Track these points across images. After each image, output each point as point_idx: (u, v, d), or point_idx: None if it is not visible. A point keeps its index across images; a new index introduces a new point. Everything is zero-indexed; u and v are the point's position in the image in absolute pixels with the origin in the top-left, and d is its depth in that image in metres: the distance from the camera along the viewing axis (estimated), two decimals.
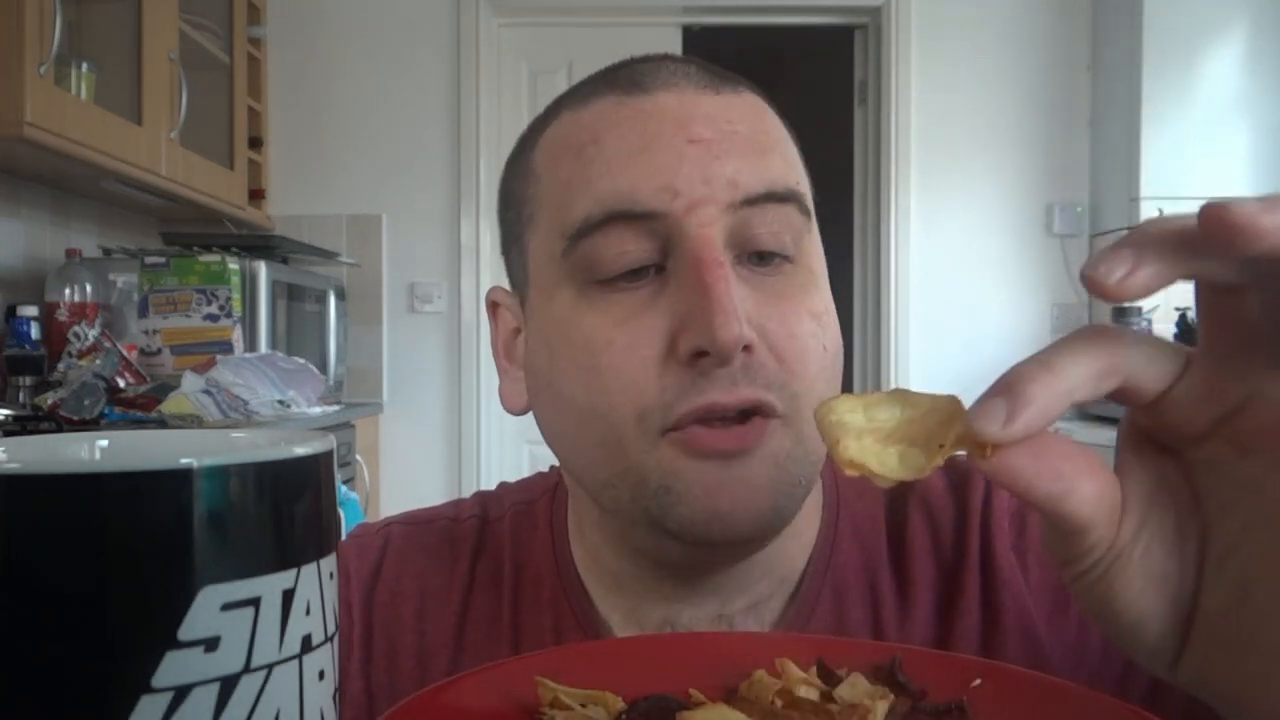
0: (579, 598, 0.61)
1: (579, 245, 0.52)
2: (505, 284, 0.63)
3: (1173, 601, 0.34)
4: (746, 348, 0.50)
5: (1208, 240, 0.28)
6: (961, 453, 0.33)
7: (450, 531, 0.66)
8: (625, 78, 0.55)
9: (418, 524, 0.67)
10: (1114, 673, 0.55)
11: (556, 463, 0.61)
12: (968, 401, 0.32)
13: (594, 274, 0.52)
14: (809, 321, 0.53)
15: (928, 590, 0.59)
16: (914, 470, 0.32)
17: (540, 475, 0.68)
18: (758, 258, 0.53)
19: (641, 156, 0.51)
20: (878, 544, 0.61)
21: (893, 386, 0.33)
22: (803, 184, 0.56)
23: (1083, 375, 0.31)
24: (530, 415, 0.60)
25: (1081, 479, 0.32)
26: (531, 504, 0.65)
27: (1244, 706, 0.33)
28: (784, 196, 0.53)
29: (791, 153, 0.56)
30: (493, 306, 0.63)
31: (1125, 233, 0.30)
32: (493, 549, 0.64)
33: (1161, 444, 0.34)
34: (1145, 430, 0.34)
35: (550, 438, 0.58)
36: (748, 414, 0.51)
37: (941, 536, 0.60)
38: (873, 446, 0.33)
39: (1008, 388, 0.31)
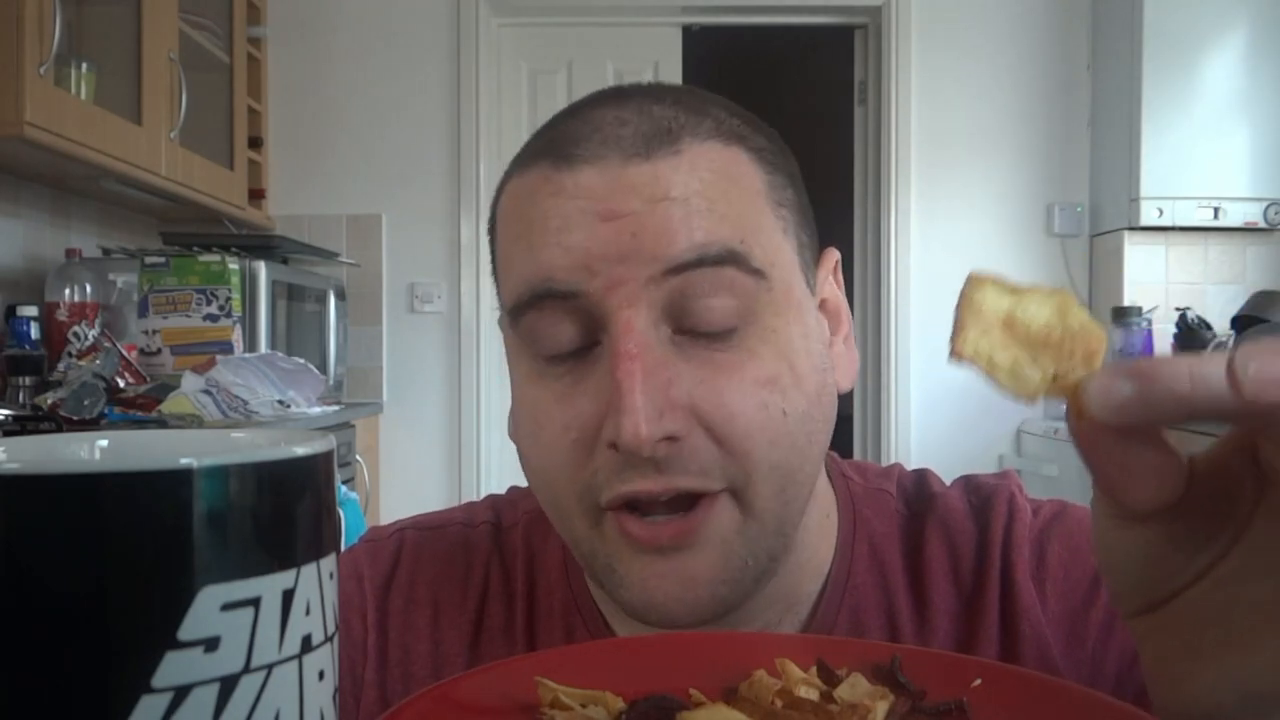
0: (590, 609, 0.61)
1: (519, 321, 0.52)
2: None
3: (1151, 575, 0.35)
4: (672, 438, 0.48)
5: None
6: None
7: (464, 538, 0.65)
8: (560, 142, 0.52)
9: (431, 529, 0.66)
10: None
11: None
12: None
13: (537, 348, 0.52)
14: (758, 392, 0.50)
15: (946, 616, 0.58)
16: (1021, 388, 0.32)
17: None
18: (699, 324, 0.50)
19: (558, 236, 0.50)
20: (894, 562, 0.60)
21: (1052, 287, 0.33)
22: (751, 238, 0.51)
23: (1219, 410, 0.29)
24: None
25: (1146, 479, 0.32)
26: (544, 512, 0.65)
27: (1156, 681, 0.36)
28: (719, 259, 0.49)
29: (744, 203, 0.51)
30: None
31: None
32: (507, 557, 0.64)
33: (1258, 459, 0.34)
34: (1253, 445, 0.34)
35: (525, 477, 0.58)
36: (683, 500, 0.50)
37: (961, 561, 0.59)
38: (996, 344, 0.32)
39: (1142, 378, 0.29)
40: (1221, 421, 0.30)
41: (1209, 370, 0.29)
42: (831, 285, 0.59)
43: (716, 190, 0.51)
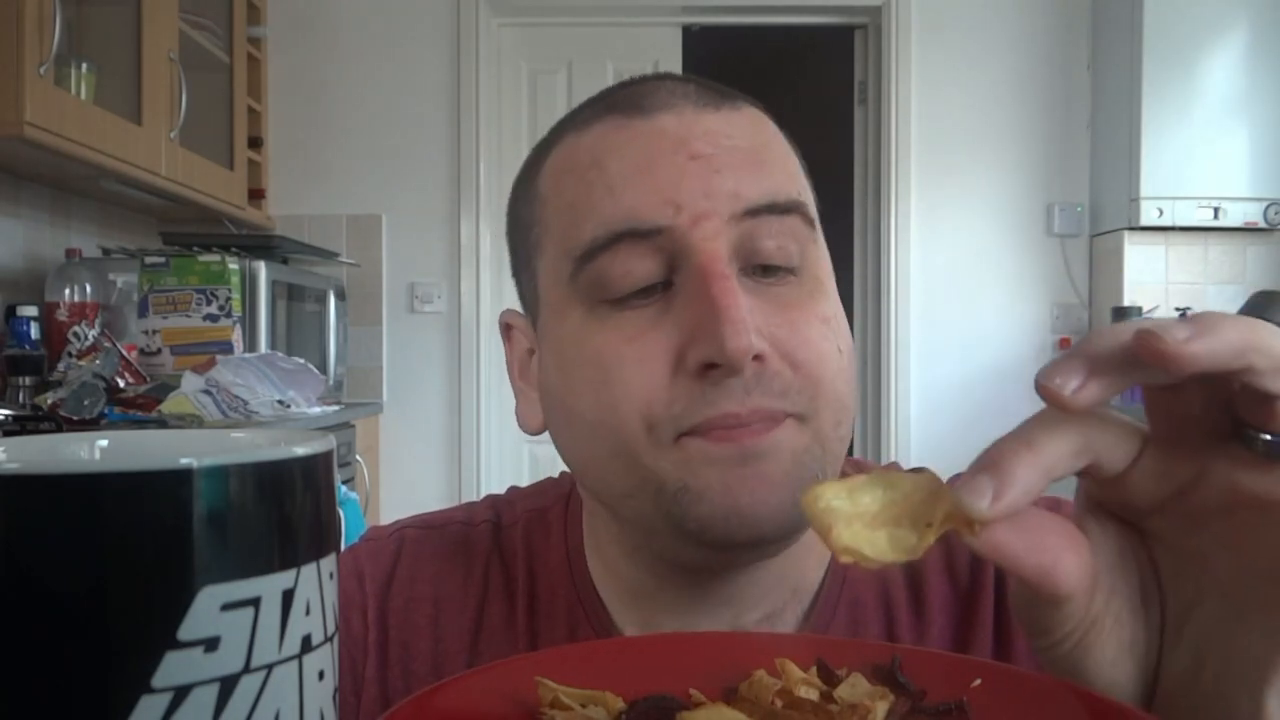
0: (594, 608, 0.61)
1: (586, 268, 0.53)
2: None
3: (1140, 666, 0.37)
4: (758, 357, 0.50)
5: (1146, 362, 0.30)
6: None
7: (464, 536, 0.65)
8: (625, 100, 0.55)
9: (431, 528, 0.66)
10: None
11: (563, 467, 0.61)
12: (955, 467, 0.34)
13: (603, 294, 0.52)
14: (819, 326, 0.53)
15: (943, 612, 0.59)
16: (906, 551, 0.33)
17: (551, 481, 0.68)
18: (763, 270, 0.53)
19: (643, 175, 0.52)
20: None
21: (873, 472, 0.35)
22: (804, 194, 0.56)
23: (1061, 452, 0.33)
24: None
25: (1065, 551, 0.34)
26: (545, 511, 0.65)
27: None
28: (786, 207, 0.53)
29: (793, 164, 0.57)
30: (506, 329, 0.63)
31: (1072, 345, 0.33)
32: (507, 555, 0.64)
33: (1119, 515, 0.36)
34: (1102, 502, 0.36)
35: (566, 455, 0.58)
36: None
37: (957, 559, 0.60)
38: (863, 531, 0.33)
39: (993, 465, 0.33)
40: (1067, 472, 0.34)
41: (1040, 436, 0.33)
42: None
43: (775, 147, 0.56)
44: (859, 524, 0.34)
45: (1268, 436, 0.32)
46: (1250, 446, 0.32)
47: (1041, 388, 0.32)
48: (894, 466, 0.66)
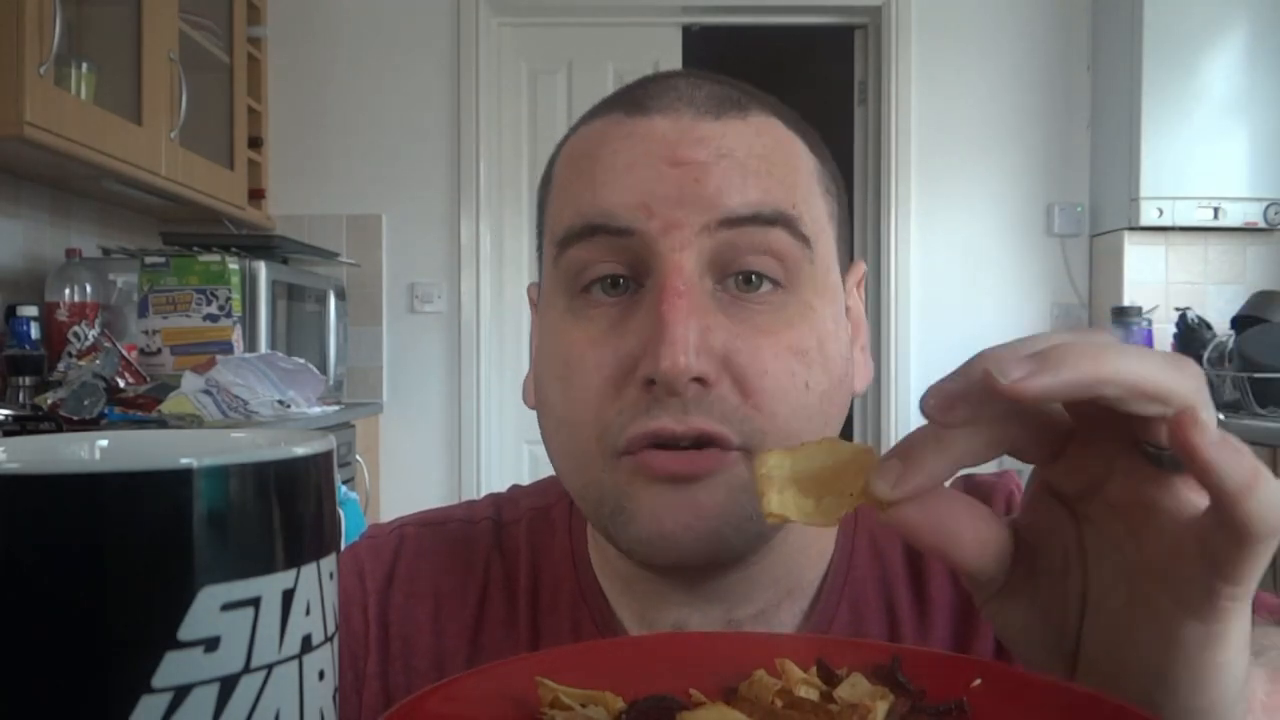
0: (597, 602, 0.61)
1: (565, 253, 0.54)
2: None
3: (1058, 635, 0.38)
4: (702, 380, 0.49)
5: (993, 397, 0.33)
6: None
7: (464, 533, 0.66)
8: (633, 97, 0.56)
9: (431, 525, 0.67)
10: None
11: None
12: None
13: (576, 282, 0.53)
14: (789, 358, 0.52)
15: (945, 611, 0.59)
16: (828, 516, 0.36)
17: (553, 479, 0.68)
18: (743, 281, 0.52)
19: (624, 174, 0.52)
20: (895, 557, 0.61)
21: (818, 440, 0.39)
22: (802, 207, 0.53)
23: (971, 445, 0.35)
24: (532, 416, 0.61)
25: (964, 532, 0.37)
26: (548, 509, 0.66)
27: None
28: (771, 219, 0.52)
29: (796, 176, 0.55)
30: (533, 302, 0.64)
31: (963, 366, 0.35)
32: (509, 552, 0.64)
33: (1059, 495, 0.38)
34: (1045, 483, 0.38)
35: (544, 440, 0.58)
36: (703, 444, 0.50)
37: None
38: (795, 496, 0.37)
39: (905, 452, 0.35)
40: (980, 462, 0.36)
41: (949, 429, 0.34)
42: (855, 296, 0.61)
43: (775, 157, 0.54)
44: (794, 489, 0.37)
45: (1152, 448, 0.34)
46: (1143, 453, 0.34)
47: (924, 405, 0.34)
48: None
